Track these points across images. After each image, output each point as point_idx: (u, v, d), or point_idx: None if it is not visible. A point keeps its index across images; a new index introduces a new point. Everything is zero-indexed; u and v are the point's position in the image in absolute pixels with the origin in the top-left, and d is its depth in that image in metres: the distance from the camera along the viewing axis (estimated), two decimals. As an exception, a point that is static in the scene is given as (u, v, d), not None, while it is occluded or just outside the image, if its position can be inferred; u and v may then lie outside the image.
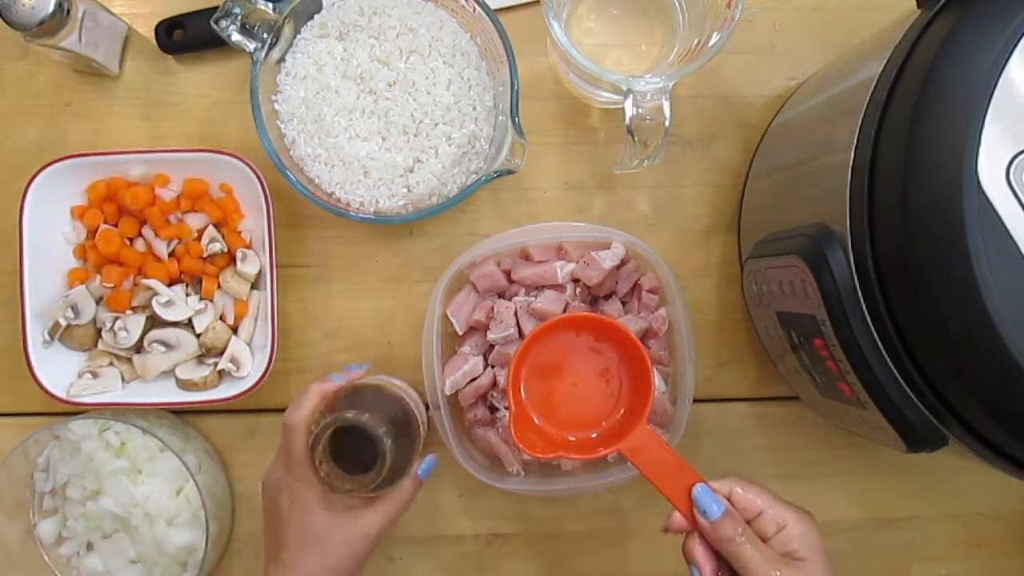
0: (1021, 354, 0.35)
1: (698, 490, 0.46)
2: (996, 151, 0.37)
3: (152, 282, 0.60)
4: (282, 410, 0.64)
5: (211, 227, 0.61)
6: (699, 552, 0.46)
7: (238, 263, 0.61)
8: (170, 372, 0.61)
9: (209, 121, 0.64)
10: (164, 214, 0.60)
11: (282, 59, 0.58)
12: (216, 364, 0.61)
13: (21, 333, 0.58)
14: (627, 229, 0.61)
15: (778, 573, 0.43)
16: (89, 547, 0.61)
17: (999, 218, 0.36)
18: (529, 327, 0.59)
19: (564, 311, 0.59)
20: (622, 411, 0.51)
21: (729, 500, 0.46)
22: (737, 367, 0.65)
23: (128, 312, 0.60)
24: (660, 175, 0.64)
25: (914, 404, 0.42)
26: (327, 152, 0.57)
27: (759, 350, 0.64)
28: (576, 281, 0.61)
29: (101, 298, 0.61)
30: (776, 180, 0.58)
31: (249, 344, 0.61)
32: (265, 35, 0.55)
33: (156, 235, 0.61)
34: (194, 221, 0.61)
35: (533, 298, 0.60)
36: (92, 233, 0.61)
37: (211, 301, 0.61)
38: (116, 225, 0.61)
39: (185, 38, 0.62)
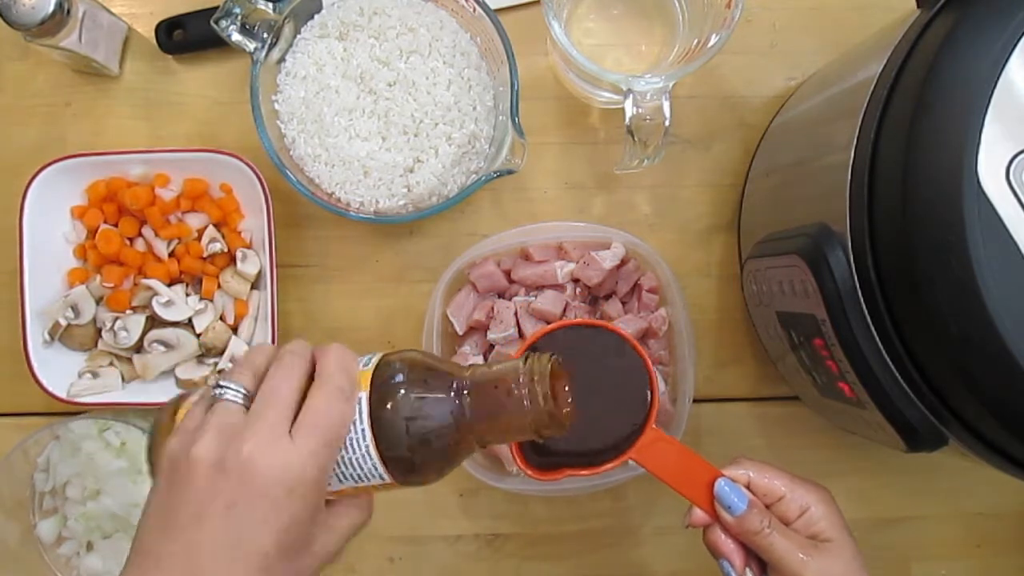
0: (1021, 354, 0.35)
1: (720, 486, 0.45)
2: (996, 151, 0.37)
3: (152, 282, 0.60)
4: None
5: (211, 227, 0.61)
6: (726, 544, 0.45)
7: (238, 263, 0.61)
8: (170, 372, 0.61)
9: (209, 121, 0.64)
10: (164, 214, 0.60)
11: (282, 59, 0.58)
12: (216, 364, 0.61)
13: (21, 333, 0.58)
14: (627, 229, 0.61)
15: (808, 558, 0.42)
16: (89, 547, 0.61)
17: (999, 218, 0.36)
18: (529, 327, 0.59)
19: (564, 311, 0.59)
20: None
21: (748, 488, 0.45)
22: (737, 367, 0.65)
23: (128, 312, 0.60)
24: (660, 175, 0.64)
25: (914, 404, 0.42)
26: (327, 152, 0.57)
27: (759, 350, 0.64)
28: (576, 281, 0.61)
29: (101, 298, 0.61)
30: (776, 180, 0.58)
31: (249, 344, 0.61)
32: (265, 35, 0.55)
33: (156, 235, 0.61)
34: (194, 221, 0.61)
35: (533, 298, 0.60)
36: (92, 233, 0.61)
37: (211, 301, 0.61)
38: (116, 225, 0.61)
39: (185, 38, 0.62)
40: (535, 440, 0.39)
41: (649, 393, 0.47)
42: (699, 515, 0.45)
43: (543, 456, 0.46)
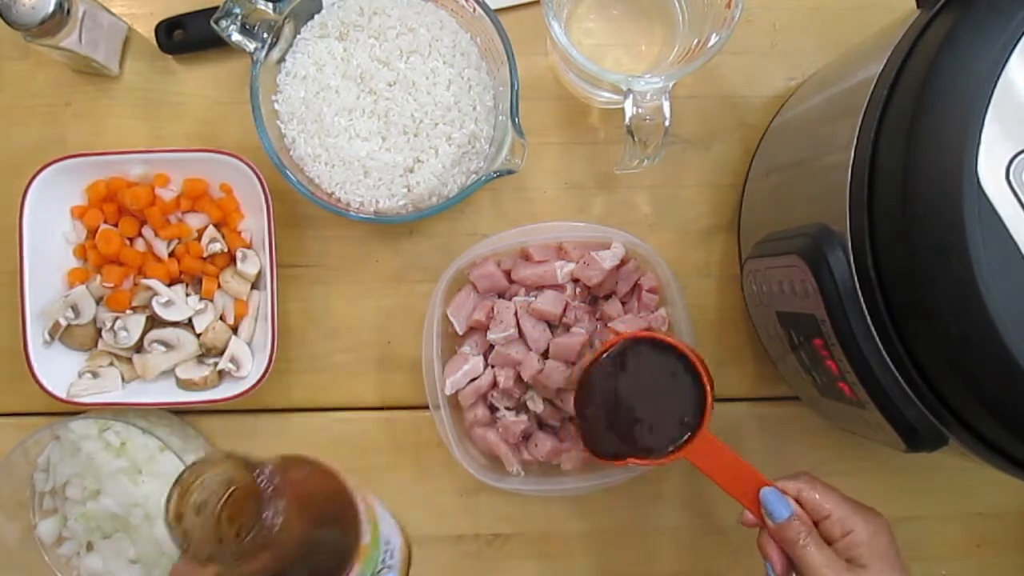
0: (1021, 354, 0.35)
1: (765, 494, 0.48)
2: (996, 151, 0.37)
3: (152, 282, 0.60)
4: (283, 410, 0.64)
5: (211, 227, 0.61)
6: (773, 548, 0.48)
7: (238, 263, 0.61)
8: (170, 372, 0.61)
9: (209, 121, 0.64)
10: (164, 214, 0.60)
11: (282, 59, 0.58)
12: (216, 364, 0.61)
13: (21, 333, 0.58)
14: (627, 229, 0.61)
15: None
16: (89, 547, 0.61)
17: (999, 218, 0.36)
18: (529, 327, 0.59)
19: (564, 311, 0.59)
20: None
21: (798, 501, 0.48)
22: (737, 367, 0.65)
23: (128, 312, 0.60)
24: (660, 175, 0.64)
25: (914, 404, 0.42)
26: (327, 152, 0.57)
27: (759, 350, 0.64)
28: (576, 281, 0.61)
29: (101, 298, 0.61)
30: (776, 180, 0.58)
31: (249, 344, 0.61)
32: (265, 35, 0.55)
33: (156, 235, 0.61)
34: (194, 221, 0.61)
35: (533, 298, 0.60)
36: (92, 233, 0.61)
37: (211, 301, 0.61)
38: (116, 225, 0.61)
39: (185, 38, 0.62)
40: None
41: (704, 401, 0.51)
42: (750, 517, 0.49)
43: (607, 447, 0.51)
